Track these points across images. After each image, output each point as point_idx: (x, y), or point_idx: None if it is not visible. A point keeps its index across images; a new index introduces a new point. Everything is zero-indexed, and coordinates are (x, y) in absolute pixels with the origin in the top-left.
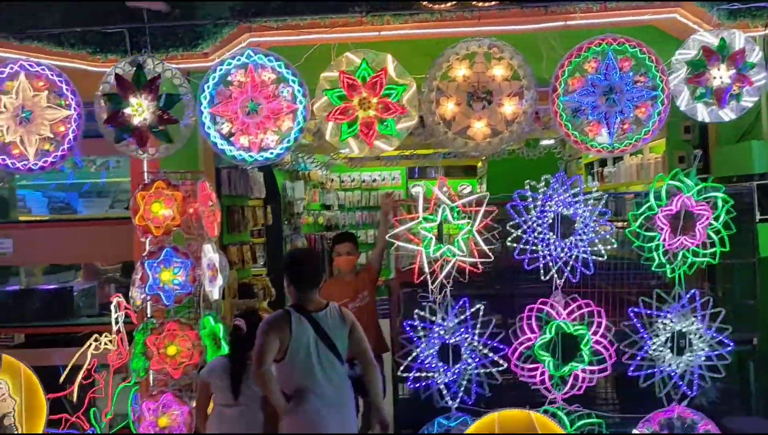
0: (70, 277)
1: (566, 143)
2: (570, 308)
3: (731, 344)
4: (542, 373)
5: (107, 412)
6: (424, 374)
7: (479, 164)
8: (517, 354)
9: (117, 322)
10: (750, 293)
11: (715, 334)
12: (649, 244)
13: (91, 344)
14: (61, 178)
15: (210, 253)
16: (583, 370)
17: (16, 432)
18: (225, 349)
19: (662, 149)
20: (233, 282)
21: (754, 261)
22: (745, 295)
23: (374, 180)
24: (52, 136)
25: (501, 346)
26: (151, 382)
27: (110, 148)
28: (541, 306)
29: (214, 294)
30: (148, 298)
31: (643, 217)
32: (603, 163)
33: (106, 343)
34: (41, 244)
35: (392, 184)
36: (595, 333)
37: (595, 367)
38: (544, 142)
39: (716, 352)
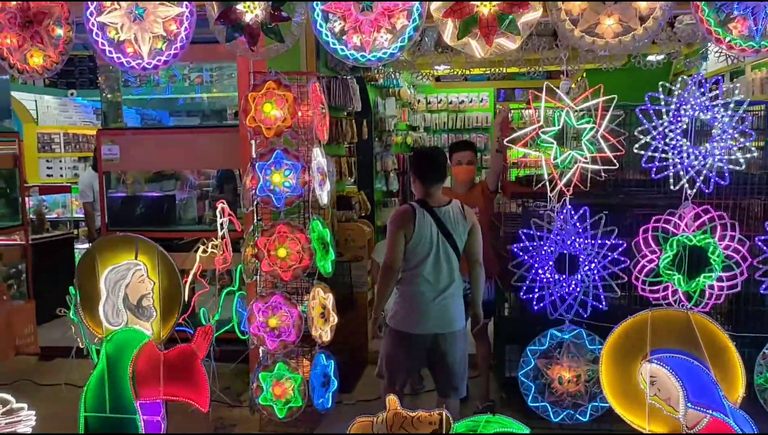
0: (171, 186)
1: (676, 59)
2: (701, 221)
3: None
4: (665, 288)
5: (214, 314)
6: (538, 285)
7: (573, 85)
8: (638, 268)
9: (222, 227)
10: None
11: None
12: None
13: (198, 248)
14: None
15: (319, 157)
16: (711, 286)
17: (154, 313)
18: (332, 254)
19: None
20: (333, 193)
21: None
22: None
23: (461, 101)
24: (164, 34)
25: (622, 259)
26: (260, 283)
27: (216, 53)
28: (668, 217)
29: (323, 198)
30: (258, 200)
31: None
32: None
33: (212, 248)
34: (147, 151)
35: (480, 106)
36: (726, 247)
37: (724, 283)
38: (651, 58)
39: None
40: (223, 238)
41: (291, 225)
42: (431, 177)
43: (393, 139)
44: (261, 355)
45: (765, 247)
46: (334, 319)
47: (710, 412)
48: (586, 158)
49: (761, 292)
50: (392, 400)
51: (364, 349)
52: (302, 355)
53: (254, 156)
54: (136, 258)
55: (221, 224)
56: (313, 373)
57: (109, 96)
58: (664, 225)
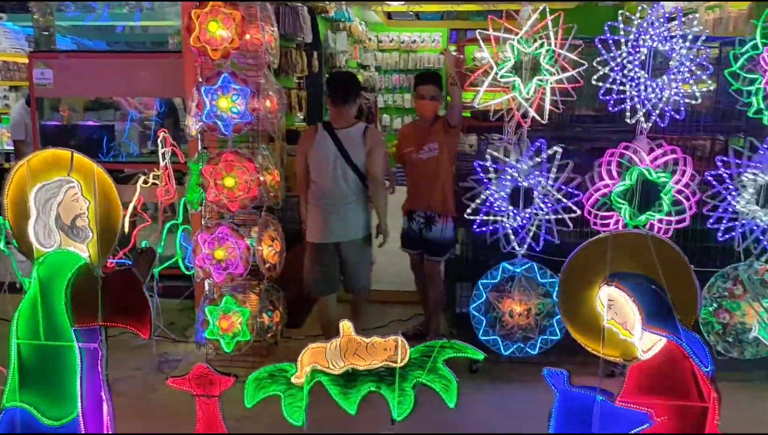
0: (109, 116)
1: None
2: (655, 154)
3: None
4: (616, 222)
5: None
6: (492, 218)
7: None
8: (592, 200)
9: (164, 158)
10: None
11: None
12: (748, 88)
13: (139, 179)
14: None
15: (269, 83)
16: (660, 220)
17: (90, 234)
18: (282, 186)
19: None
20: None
21: None
22: None
23: (413, 41)
24: None
25: (576, 192)
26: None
27: None
28: (623, 151)
29: (273, 126)
30: (204, 127)
31: (746, 57)
32: (672, 19)
33: (153, 179)
34: (83, 77)
35: (432, 46)
36: (677, 181)
37: (673, 218)
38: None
39: None
40: (165, 168)
41: (239, 153)
42: (336, 98)
43: None
44: (207, 288)
45: (714, 183)
46: (283, 251)
47: (665, 335)
48: (548, 80)
49: (708, 226)
50: (346, 326)
51: None
52: (250, 289)
53: (200, 79)
54: (69, 174)
55: (163, 155)
56: (261, 307)
57: (41, 20)
58: (620, 159)
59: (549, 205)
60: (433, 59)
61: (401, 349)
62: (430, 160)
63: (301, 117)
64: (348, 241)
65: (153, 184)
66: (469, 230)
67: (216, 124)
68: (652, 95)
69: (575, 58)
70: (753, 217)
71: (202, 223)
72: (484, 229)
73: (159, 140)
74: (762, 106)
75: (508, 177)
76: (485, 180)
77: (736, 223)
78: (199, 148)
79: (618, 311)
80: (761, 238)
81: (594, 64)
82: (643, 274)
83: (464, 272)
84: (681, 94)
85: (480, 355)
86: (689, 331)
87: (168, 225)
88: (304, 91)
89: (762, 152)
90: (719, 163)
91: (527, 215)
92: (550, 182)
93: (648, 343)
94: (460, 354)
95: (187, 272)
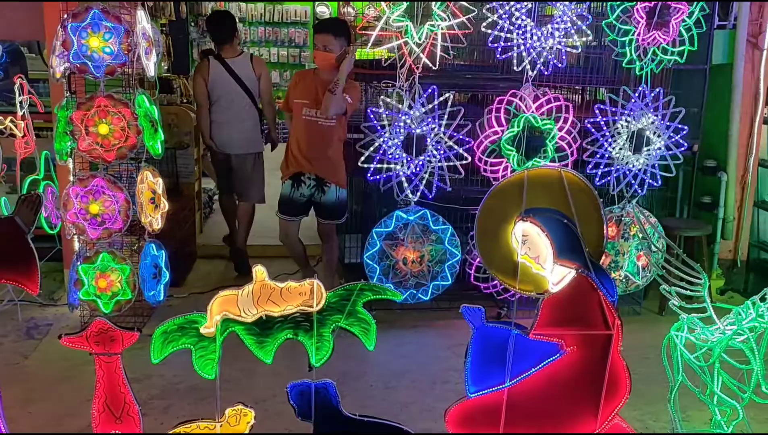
0: None
1: None
2: (539, 102)
3: (685, 145)
4: (505, 168)
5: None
6: (385, 166)
7: None
8: (482, 147)
9: (21, 107)
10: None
11: (672, 134)
12: (623, 39)
13: None
14: None
15: (144, 21)
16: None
17: None
18: (161, 134)
19: None
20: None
21: (706, 68)
22: (691, 103)
23: None
24: None
25: (467, 139)
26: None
27: None
28: (510, 98)
29: (150, 69)
30: (72, 68)
31: (621, 8)
32: None
33: (10, 128)
34: None
35: None
36: (561, 129)
37: (557, 164)
38: None
39: (671, 152)
40: (23, 117)
41: (113, 98)
42: (214, 37)
43: None
44: (79, 246)
45: (593, 130)
46: (164, 205)
47: (575, 268)
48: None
49: (587, 172)
50: (259, 271)
51: (193, 242)
52: (129, 246)
53: (65, 16)
54: None
55: (20, 103)
56: (142, 264)
57: None
58: (507, 106)
59: (442, 152)
60: (300, 12)
61: (317, 293)
62: (325, 126)
63: (166, 67)
64: (242, 153)
65: (9, 136)
66: (359, 181)
67: (86, 65)
68: (537, 44)
69: (466, 4)
70: (626, 162)
71: (71, 176)
72: (378, 177)
73: (15, 87)
74: (634, 56)
75: (402, 124)
76: (378, 127)
77: (611, 168)
78: (67, 92)
79: (531, 246)
80: (633, 182)
81: (484, 11)
82: (555, 209)
83: (352, 224)
84: (563, 44)
85: (399, 296)
86: (596, 262)
87: (28, 180)
88: (170, 38)
89: (634, 100)
90: (597, 112)
91: (421, 163)
92: (443, 129)
93: (558, 276)
94: (378, 296)
95: (50, 231)
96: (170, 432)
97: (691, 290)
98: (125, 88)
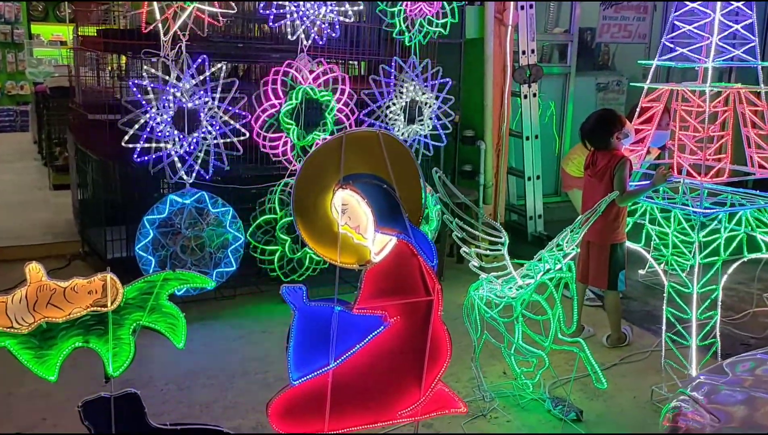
0: None
1: None
2: (315, 73)
3: (452, 115)
4: (285, 143)
5: None
6: (154, 145)
7: None
8: (260, 122)
9: None
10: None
11: (441, 105)
12: (392, 9)
13: None
14: None
15: None
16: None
17: None
18: None
19: None
20: None
21: (461, 42)
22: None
23: None
24: None
25: (244, 113)
26: None
27: None
28: (287, 69)
29: None
30: None
31: None
32: None
33: None
34: None
35: None
36: (338, 100)
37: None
38: None
39: (441, 121)
40: None
41: None
42: None
43: None
44: None
45: (368, 101)
46: None
47: (395, 235)
48: None
49: None
50: (33, 269)
51: None
52: None
53: None
54: None
55: None
56: None
57: None
58: (284, 78)
59: (217, 127)
60: None
61: (111, 290)
62: None
63: None
64: None
65: None
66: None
67: None
68: (311, 11)
69: None
70: (403, 131)
71: None
72: (146, 158)
73: None
74: (403, 27)
75: (170, 98)
76: (144, 102)
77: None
78: None
79: (351, 215)
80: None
81: None
82: (373, 174)
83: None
84: (336, 12)
85: (209, 282)
86: (415, 227)
87: None
88: None
89: (407, 72)
90: (372, 83)
91: (195, 140)
92: (216, 103)
93: (379, 245)
94: (187, 285)
95: None
96: None
97: (492, 250)
98: None
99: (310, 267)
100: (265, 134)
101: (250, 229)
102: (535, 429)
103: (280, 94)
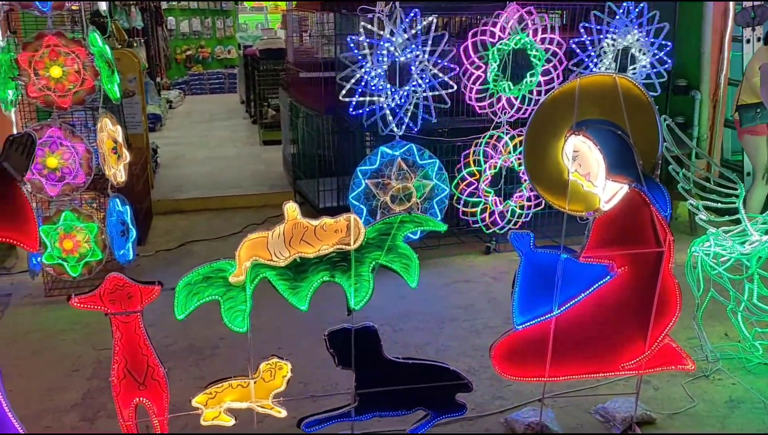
0: None
1: None
2: (525, 22)
3: (669, 62)
4: (491, 96)
5: None
6: (368, 98)
7: None
8: (473, 78)
9: None
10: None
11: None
12: None
13: None
14: None
15: None
16: (531, 92)
17: None
18: (117, 76)
19: None
20: None
21: None
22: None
23: None
24: None
25: (452, 66)
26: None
27: None
28: (495, 20)
29: (102, 5)
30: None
31: None
32: None
33: None
34: None
35: None
36: (546, 51)
37: (542, 88)
38: None
39: (655, 70)
40: None
41: (64, 36)
42: None
43: None
44: (34, 205)
45: (578, 51)
46: (126, 156)
47: (627, 183)
48: None
49: None
50: (291, 208)
51: (148, 198)
52: (89, 202)
53: None
54: None
55: None
56: (109, 222)
57: None
58: (492, 28)
59: (427, 81)
60: None
61: (354, 230)
62: None
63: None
64: None
65: None
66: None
67: None
68: None
69: None
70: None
71: (15, 128)
72: (360, 111)
73: None
74: None
75: (384, 52)
76: (360, 57)
77: None
78: (6, 32)
79: (582, 162)
80: None
81: None
82: (607, 120)
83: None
84: None
85: (442, 226)
86: (649, 174)
87: None
88: None
89: (619, 17)
90: (582, 31)
91: (406, 93)
92: (426, 57)
93: (610, 193)
94: (422, 227)
95: None
96: (202, 394)
97: (724, 203)
98: (73, 26)
99: (512, 220)
100: (472, 86)
101: (455, 181)
102: (765, 393)
103: (479, 47)
